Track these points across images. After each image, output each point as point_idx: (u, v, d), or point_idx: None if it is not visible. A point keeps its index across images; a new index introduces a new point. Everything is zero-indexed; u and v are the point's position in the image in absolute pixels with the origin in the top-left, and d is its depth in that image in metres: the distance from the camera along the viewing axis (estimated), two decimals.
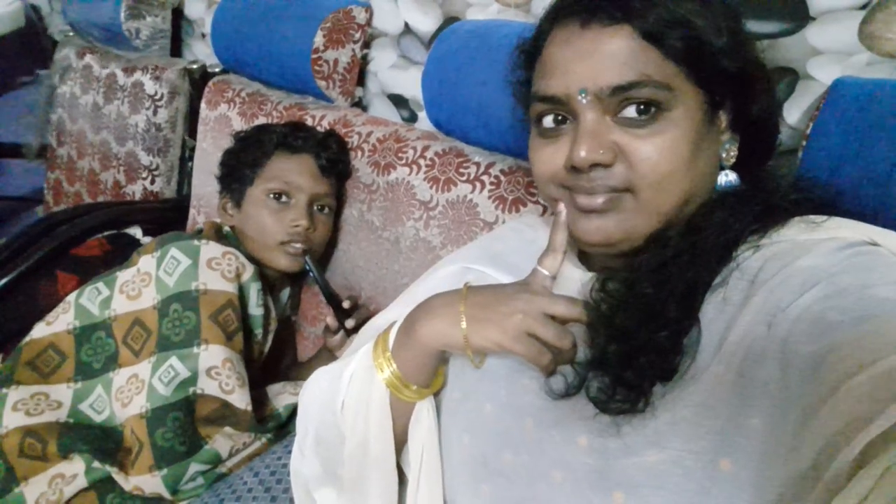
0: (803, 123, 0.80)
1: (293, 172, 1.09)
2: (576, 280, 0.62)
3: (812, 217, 0.51)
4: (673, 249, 0.53)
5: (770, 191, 0.55)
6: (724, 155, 0.57)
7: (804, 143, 0.71)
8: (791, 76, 0.83)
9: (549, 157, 0.58)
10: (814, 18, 0.79)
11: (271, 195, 1.09)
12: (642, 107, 0.52)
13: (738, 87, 0.56)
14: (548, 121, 0.57)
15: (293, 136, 1.12)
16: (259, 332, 1.06)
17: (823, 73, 0.79)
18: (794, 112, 0.83)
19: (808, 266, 0.46)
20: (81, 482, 0.90)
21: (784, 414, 0.42)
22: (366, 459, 0.62)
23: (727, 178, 0.58)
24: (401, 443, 0.64)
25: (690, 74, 0.52)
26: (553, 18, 0.57)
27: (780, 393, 0.42)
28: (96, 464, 0.90)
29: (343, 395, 0.64)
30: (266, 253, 1.09)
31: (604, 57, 0.52)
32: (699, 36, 0.52)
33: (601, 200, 0.54)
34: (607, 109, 0.53)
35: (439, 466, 0.63)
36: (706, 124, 0.54)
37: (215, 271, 0.99)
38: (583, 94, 0.53)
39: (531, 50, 0.61)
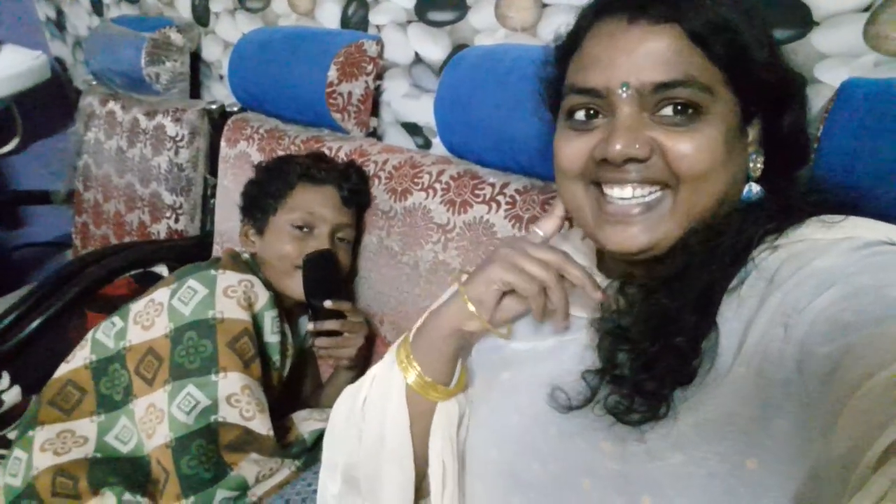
0: (814, 127, 0.81)
1: (316, 203, 1.11)
2: None
3: (828, 217, 0.51)
4: (692, 257, 0.53)
5: (786, 192, 0.56)
6: (751, 165, 0.57)
7: (816, 145, 0.71)
8: None
9: (578, 149, 0.57)
10: (818, 23, 0.80)
11: (295, 225, 1.10)
12: (680, 107, 0.52)
13: (771, 101, 0.56)
14: (580, 114, 0.57)
15: (316, 168, 1.14)
16: (277, 358, 1.07)
17: (831, 76, 0.80)
18: None
19: (825, 267, 0.46)
20: None
21: (807, 415, 0.42)
22: (381, 451, 0.64)
23: (751, 189, 0.57)
24: (420, 453, 0.65)
25: (730, 81, 0.53)
26: (595, 13, 0.57)
27: (801, 394, 0.42)
28: (127, 496, 0.91)
29: (365, 392, 0.66)
30: (284, 278, 1.10)
31: (649, 53, 0.52)
32: (743, 44, 0.52)
33: (636, 212, 0.54)
34: (645, 106, 0.53)
35: (457, 484, 0.64)
36: (738, 133, 0.54)
37: (231, 299, 1.01)
38: (624, 88, 0.53)
39: (567, 45, 0.61)
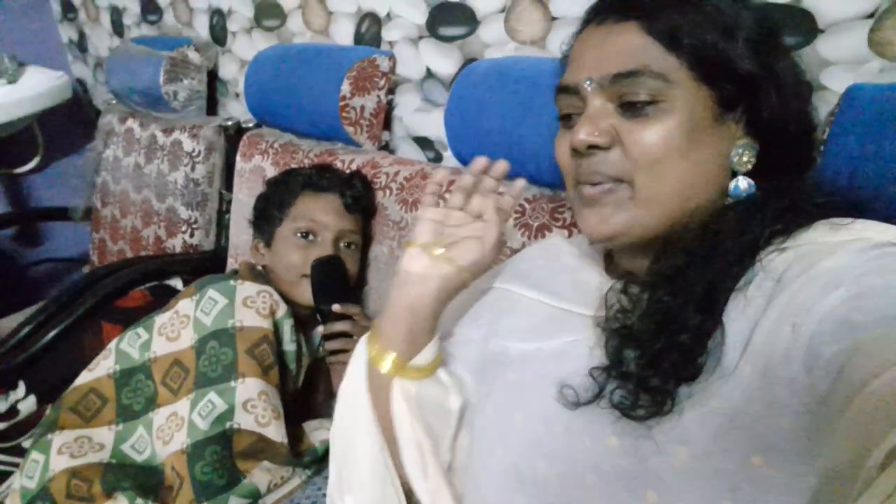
0: (819, 132, 0.81)
1: (319, 211, 1.13)
2: (595, 287, 0.63)
3: (837, 219, 0.51)
4: (690, 254, 0.53)
5: (792, 193, 0.56)
6: (735, 159, 0.57)
7: (821, 150, 0.71)
8: None
9: (563, 146, 0.61)
10: (822, 30, 0.81)
11: (298, 234, 1.12)
12: (638, 96, 0.55)
13: (752, 92, 0.56)
14: (566, 112, 0.61)
15: (319, 177, 1.16)
16: (293, 367, 1.08)
17: (836, 83, 0.80)
18: None
19: (833, 267, 0.46)
20: None
21: (813, 414, 0.42)
22: (353, 427, 0.67)
23: (738, 184, 0.57)
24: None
25: (694, 70, 0.54)
26: (583, 23, 0.62)
27: (808, 393, 0.42)
28: (139, 501, 0.92)
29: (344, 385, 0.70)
30: (293, 288, 1.12)
31: (609, 48, 0.57)
32: (707, 36, 0.54)
33: (600, 190, 0.57)
34: (611, 97, 0.57)
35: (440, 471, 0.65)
36: (711, 122, 0.55)
37: (250, 309, 1.02)
38: (588, 83, 0.57)
39: (566, 54, 0.66)
